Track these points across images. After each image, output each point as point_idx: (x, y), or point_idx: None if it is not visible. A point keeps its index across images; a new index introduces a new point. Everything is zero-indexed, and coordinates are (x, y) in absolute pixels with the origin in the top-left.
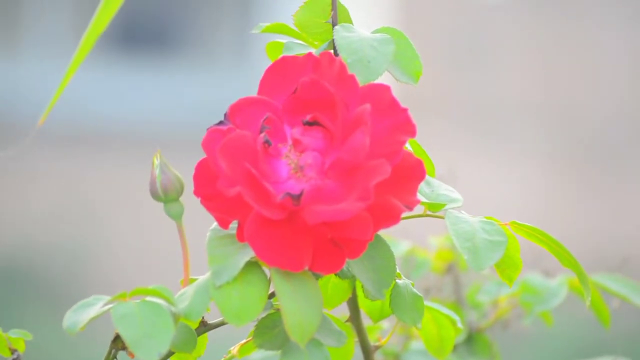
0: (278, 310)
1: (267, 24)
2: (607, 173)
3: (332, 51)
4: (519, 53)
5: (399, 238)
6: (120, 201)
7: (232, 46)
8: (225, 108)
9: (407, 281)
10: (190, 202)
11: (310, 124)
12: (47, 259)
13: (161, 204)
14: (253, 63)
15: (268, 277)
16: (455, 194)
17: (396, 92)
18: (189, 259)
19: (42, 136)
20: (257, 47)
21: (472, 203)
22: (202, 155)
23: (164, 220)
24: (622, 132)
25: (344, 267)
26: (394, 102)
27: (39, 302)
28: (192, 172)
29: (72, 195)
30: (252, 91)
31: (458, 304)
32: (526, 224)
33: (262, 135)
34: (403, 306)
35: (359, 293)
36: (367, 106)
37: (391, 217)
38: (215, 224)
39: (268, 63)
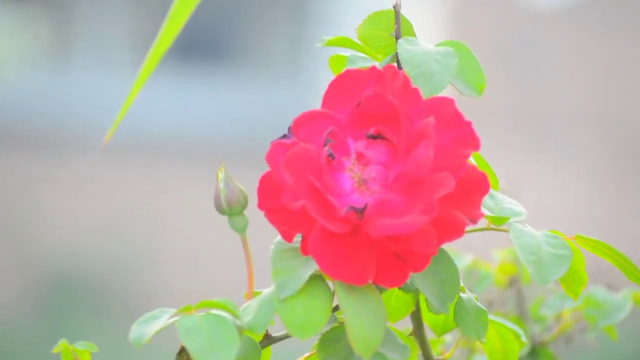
0: (342, 323)
1: (330, 37)
2: None
3: (395, 64)
4: (573, 60)
5: (461, 251)
6: (175, 211)
7: (287, 57)
8: (280, 120)
9: (471, 295)
10: (254, 215)
11: (374, 137)
12: (101, 269)
13: (217, 216)
14: (308, 74)
15: (332, 291)
16: (520, 208)
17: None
18: (253, 271)
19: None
20: (313, 58)
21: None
22: (258, 165)
23: (219, 231)
24: None
25: (408, 280)
26: (457, 115)
27: (92, 311)
28: (246, 183)
29: (127, 205)
30: (308, 102)
31: (521, 318)
32: (591, 237)
33: (326, 148)
34: (467, 320)
35: (423, 306)
36: (431, 119)
37: (455, 231)
38: (279, 237)
39: (323, 74)
